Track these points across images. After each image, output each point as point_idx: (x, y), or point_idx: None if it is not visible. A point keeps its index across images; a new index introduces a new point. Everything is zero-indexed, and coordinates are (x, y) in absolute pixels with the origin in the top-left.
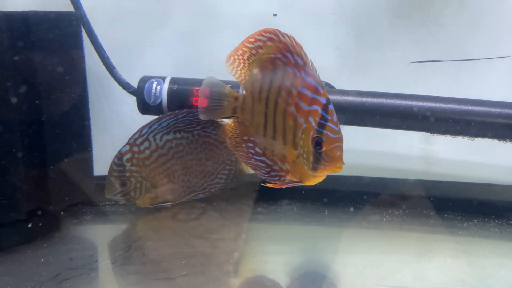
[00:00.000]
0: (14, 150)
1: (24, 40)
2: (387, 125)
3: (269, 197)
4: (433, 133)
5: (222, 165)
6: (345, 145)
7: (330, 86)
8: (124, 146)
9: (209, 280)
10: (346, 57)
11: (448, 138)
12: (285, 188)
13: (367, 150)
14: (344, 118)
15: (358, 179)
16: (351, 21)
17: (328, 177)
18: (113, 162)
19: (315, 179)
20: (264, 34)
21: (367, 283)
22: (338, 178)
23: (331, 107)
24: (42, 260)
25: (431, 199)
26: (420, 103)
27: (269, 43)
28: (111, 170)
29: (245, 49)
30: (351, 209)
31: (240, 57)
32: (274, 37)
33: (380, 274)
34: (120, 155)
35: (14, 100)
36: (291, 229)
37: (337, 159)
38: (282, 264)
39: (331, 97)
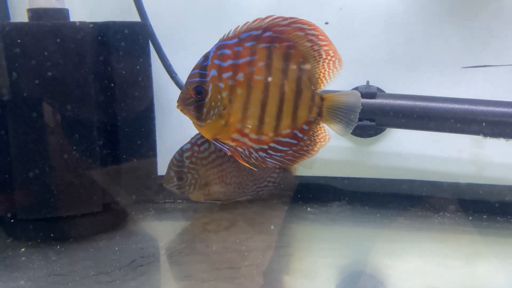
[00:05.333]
0: (93, 148)
1: (102, 48)
2: (439, 128)
3: (320, 198)
4: (486, 136)
5: (272, 168)
6: (397, 149)
7: (381, 91)
8: (186, 144)
9: (272, 270)
10: (397, 62)
11: (500, 142)
12: (335, 190)
13: (418, 154)
14: (397, 122)
15: (409, 182)
16: (402, 27)
17: (379, 180)
18: (174, 157)
19: None
20: None
21: (418, 286)
22: (390, 181)
23: None
24: (116, 248)
25: (483, 202)
26: (473, 107)
27: None
28: (171, 164)
29: None
30: (403, 211)
31: None
32: None
33: (431, 276)
34: (181, 152)
35: (94, 102)
36: (342, 230)
37: None
38: (331, 264)
39: (383, 101)
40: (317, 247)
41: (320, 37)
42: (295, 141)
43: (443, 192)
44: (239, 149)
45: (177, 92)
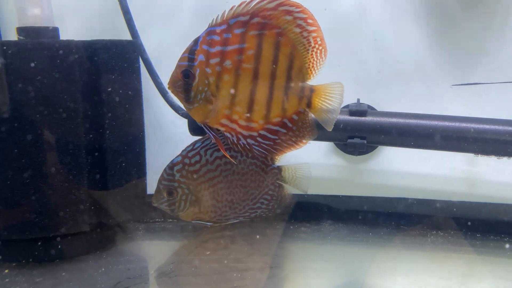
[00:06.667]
0: (80, 167)
1: (92, 67)
2: (430, 146)
3: (312, 217)
4: (477, 154)
5: (265, 189)
6: (389, 167)
7: (372, 108)
8: (176, 157)
9: None
10: (388, 80)
11: (492, 159)
12: (327, 208)
13: (410, 172)
14: (387, 139)
15: (402, 200)
16: (392, 46)
17: (373, 198)
18: (164, 170)
19: None
20: None
21: None
22: (382, 199)
23: None
24: (102, 269)
25: (477, 221)
26: (464, 124)
27: None
28: (161, 178)
29: None
30: (395, 230)
31: None
32: None
33: None
34: (171, 165)
35: (82, 121)
36: (335, 249)
37: None
38: (325, 284)
39: (374, 119)
40: (309, 267)
41: (308, 20)
42: (285, 130)
43: (435, 211)
44: (228, 134)
45: (168, 110)
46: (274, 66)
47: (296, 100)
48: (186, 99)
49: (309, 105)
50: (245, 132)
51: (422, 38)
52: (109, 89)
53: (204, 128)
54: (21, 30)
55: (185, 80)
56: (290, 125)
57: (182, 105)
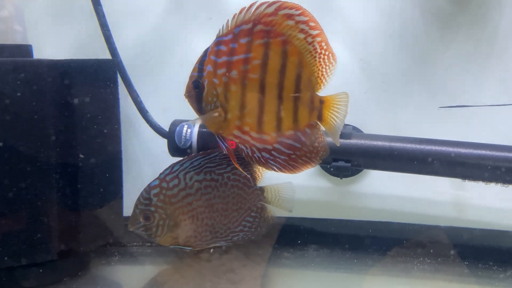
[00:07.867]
0: (48, 191)
1: (63, 86)
2: (416, 170)
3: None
4: (465, 179)
5: (247, 212)
6: (375, 190)
7: (358, 131)
8: (154, 180)
9: None
10: (374, 101)
11: (480, 185)
12: (311, 232)
13: (396, 196)
14: (373, 163)
15: (387, 224)
16: (378, 67)
17: (357, 222)
18: (141, 194)
19: None
20: None
21: None
22: (367, 223)
23: None
24: None
25: (464, 247)
26: (452, 149)
27: None
28: (137, 202)
29: None
30: (381, 256)
31: None
32: None
33: None
34: (148, 189)
35: (55, 142)
36: (319, 276)
37: None
38: None
39: (359, 141)
40: None
41: (310, 23)
42: (299, 145)
43: (422, 236)
44: (242, 146)
45: (147, 129)
46: (281, 76)
47: (307, 112)
48: (199, 110)
49: (320, 117)
50: (259, 145)
51: (410, 57)
52: (84, 109)
53: (217, 139)
54: None
55: (195, 91)
56: (303, 139)
57: (161, 125)
